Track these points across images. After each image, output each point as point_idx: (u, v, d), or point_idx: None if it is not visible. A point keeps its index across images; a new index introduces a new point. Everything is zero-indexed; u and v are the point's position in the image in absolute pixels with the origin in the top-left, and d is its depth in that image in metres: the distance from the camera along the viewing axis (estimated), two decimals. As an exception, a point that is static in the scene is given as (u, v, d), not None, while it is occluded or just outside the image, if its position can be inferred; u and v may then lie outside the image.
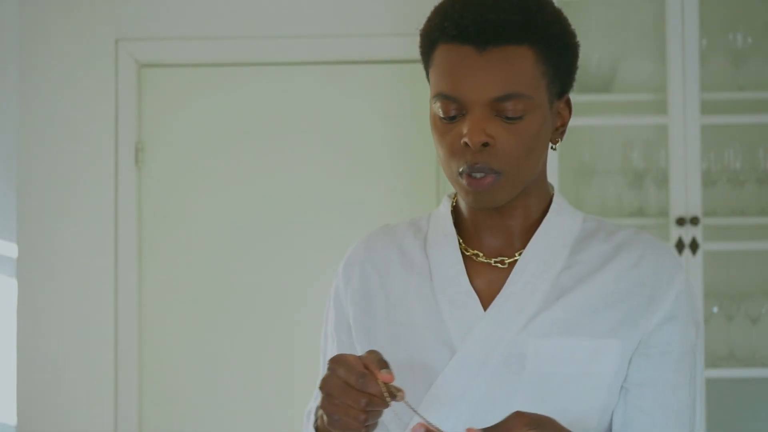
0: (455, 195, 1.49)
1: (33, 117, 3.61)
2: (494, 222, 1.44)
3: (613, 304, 1.41)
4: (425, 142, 3.53)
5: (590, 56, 3.40)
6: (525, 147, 1.37)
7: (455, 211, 1.49)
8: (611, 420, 1.42)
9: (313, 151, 3.65)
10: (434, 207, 3.79)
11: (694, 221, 3.19)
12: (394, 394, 1.26)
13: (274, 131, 3.65)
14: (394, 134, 3.57)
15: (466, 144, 1.35)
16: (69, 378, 3.59)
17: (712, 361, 3.33)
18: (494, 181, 1.36)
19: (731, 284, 3.47)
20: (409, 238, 1.50)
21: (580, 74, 3.65)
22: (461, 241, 1.46)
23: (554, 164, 3.20)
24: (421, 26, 1.43)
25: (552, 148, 1.44)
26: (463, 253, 1.46)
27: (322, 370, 1.49)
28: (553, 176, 3.20)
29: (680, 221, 3.19)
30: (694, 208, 3.20)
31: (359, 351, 1.47)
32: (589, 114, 3.45)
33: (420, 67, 1.48)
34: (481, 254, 1.45)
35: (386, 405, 1.26)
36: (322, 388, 1.28)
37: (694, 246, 3.20)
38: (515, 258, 1.44)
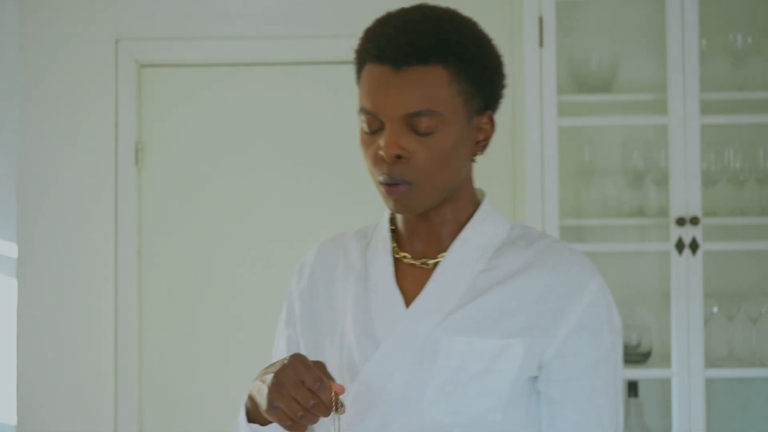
0: None
1: (33, 117, 3.61)
2: (423, 226, 1.56)
3: (524, 307, 1.50)
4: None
5: (590, 56, 3.41)
6: (438, 160, 1.48)
7: (394, 219, 1.62)
8: (520, 416, 1.51)
9: (314, 151, 3.65)
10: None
11: (694, 221, 3.19)
12: (338, 407, 1.38)
13: (274, 131, 3.65)
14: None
15: (382, 156, 1.47)
16: (69, 378, 3.59)
17: (712, 361, 3.33)
18: (407, 191, 1.48)
19: (731, 284, 3.47)
20: (353, 244, 1.64)
21: (580, 74, 3.62)
22: (395, 245, 1.59)
23: (554, 164, 3.21)
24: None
25: (472, 160, 1.56)
26: (395, 256, 1.58)
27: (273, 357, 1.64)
28: (552, 176, 3.20)
29: (680, 221, 3.19)
30: (694, 208, 3.20)
31: (302, 345, 1.62)
32: (589, 114, 3.45)
33: None
34: (409, 256, 1.57)
35: (327, 414, 1.38)
36: (276, 374, 1.38)
37: (694, 246, 3.20)
38: (438, 259, 1.55)
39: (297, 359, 1.39)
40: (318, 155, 3.65)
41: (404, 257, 1.57)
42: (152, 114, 3.68)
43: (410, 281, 1.56)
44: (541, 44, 3.21)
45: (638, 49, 3.51)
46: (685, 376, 3.19)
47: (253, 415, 1.50)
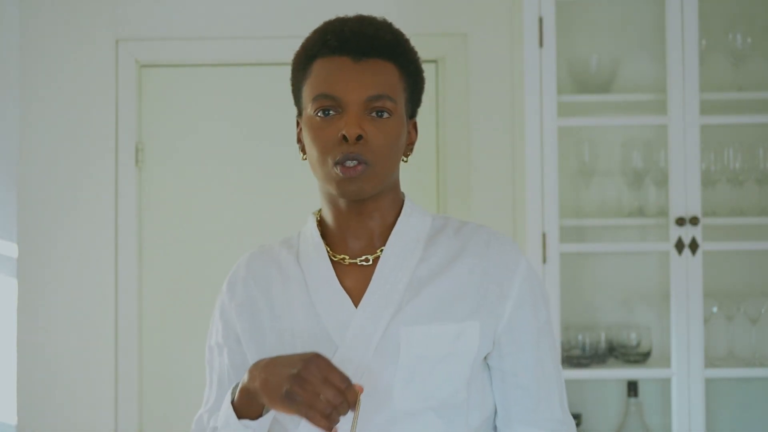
0: (319, 211, 1.71)
1: (33, 117, 3.61)
2: (356, 225, 1.64)
3: (469, 291, 1.61)
4: (428, 142, 3.54)
5: (590, 56, 3.41)
6: (390, 144, 1.59)
7: (321, 224, 1.70)
8: (480, 390, 1.62)
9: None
10: (434, 206, 3.77)
11: (694, 221, 3.19)
12: (353, 407, 1.45)
13: (275, 131, 3.66)
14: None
15: (344, 137, 1.56)
16: (69, 378, 3.59)
17: (711, 361, 3.34)
18: (363, 170, 1.56)
19: (731, 284, 3.47)
20: (284, 254, 1.70)
21: (580, 74, 3.62)
22: (329, 249, 1.66)
23: (554, 164, 3.21)
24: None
25: (404, 160, 1.67)
26: (331, 260, 1.65)
27: (208, 380, 1.72)
28: (552, 176, 3.21)
29: (680, 221, 3.20)
30: (694, 208, 3.21)
31: (250, 359, 1.65)
32: (589, 114, 3.45)
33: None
34: (347, 257, 1.65)
35: (345, 413, 1.44)
36: (300, 371, 1.44)
37: (693, 246, 3.20)
38: (377, 254, 1.64)
39: (320, 357, 1.45)
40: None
41: (342, 259, 1.65)
42: (152, 114, 3.68)
43: (351, 281, 1.63)
44: (541, 44, 3.21)
45: (638, 50, 3.51)
46: (685, 376, 3.19)
47: (242, 410, 1.54)
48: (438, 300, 1.60)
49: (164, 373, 3.65)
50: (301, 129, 1.68)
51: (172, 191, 3.68)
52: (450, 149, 3.57)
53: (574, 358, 3.32)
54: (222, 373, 1.70)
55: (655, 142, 3.44)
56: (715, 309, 3.38)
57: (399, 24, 1.70)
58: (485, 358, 1.64)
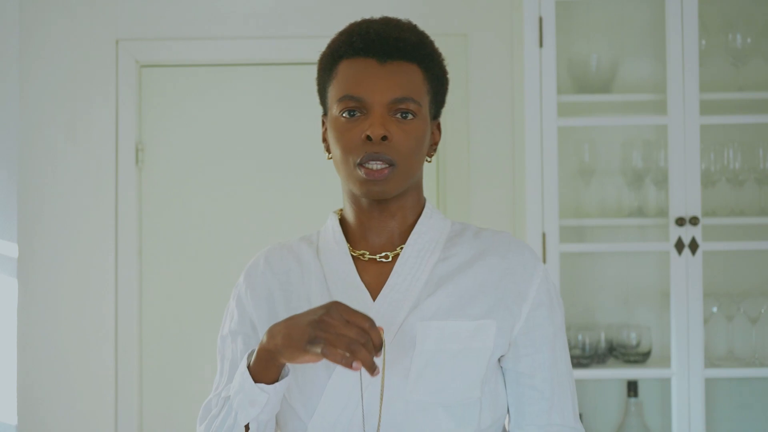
0: (340, 210, 1.75)
1: (33, 117, 3.62)
2: (377, 224, 1.68)
3: (487, 291, 1.64)
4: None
5: (590, 56, 3.41)
6: (414, 145, 1.62)
7: (342, 222, 1.74)
8: (492, 391, 1.63)
9: (314, 151, 3.65)
10: (436, 205, 3.79)
11: (694, 221, 3.19)
12: (378, 349, 1.45)
13: (275, 131, 3.66)
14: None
15: (368, 137, 1.58)
16: (69, 378, 3.59)
17: (712, 361, 3.34)
18: (389, 172, 1.60)
19: (731, 284, 3.47)
20: (304, 249, 1.74)
21: (580, 74, 3.62)
22: (349, 245, 1.70)
23: (554, 164, 3.21)
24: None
25: (427, 160, 1.70)
26: (351, 256, 1.68)
27: (219, 369, 1.71)
28: (552, 176, 3.21)
29: (680, 221, 3.20)
30: (694, 208, 3.21)
31: None
32: (589, 114, 3.46)
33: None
34: (367, 253, 1.68)
35: (371, 352, 1.43)
36: (321, 317, 1.44)
37: (693, 246, 3.20)
38: (397, 252, 1.67)
39: (340, 303, 1.46)
40: (318, 155, 3.64)
41: (362, 254, 1.68)
42: (152, 114, 3.68)
43: (370, 276, 1.66)
44: (540, 44, 3.21)
45: (638, 50, 3.52)
46: (685, 376, 3.20)
47: (258, 374, 1.53)
48: (456, 297, 1.62)
49: (164, 373, 3.65)
50: (326, 129, 1.69)
51: (172, 191, 3.68)
52: (450, 149, 3.57)
53: (574, 357, 3.32)
54: (235, 359, 1.69)
55: (655, 142, 3.44)
56: (715, 309, 3.38)
57: (403, 23, 1.70)
58: (499, 360, 1.66)
